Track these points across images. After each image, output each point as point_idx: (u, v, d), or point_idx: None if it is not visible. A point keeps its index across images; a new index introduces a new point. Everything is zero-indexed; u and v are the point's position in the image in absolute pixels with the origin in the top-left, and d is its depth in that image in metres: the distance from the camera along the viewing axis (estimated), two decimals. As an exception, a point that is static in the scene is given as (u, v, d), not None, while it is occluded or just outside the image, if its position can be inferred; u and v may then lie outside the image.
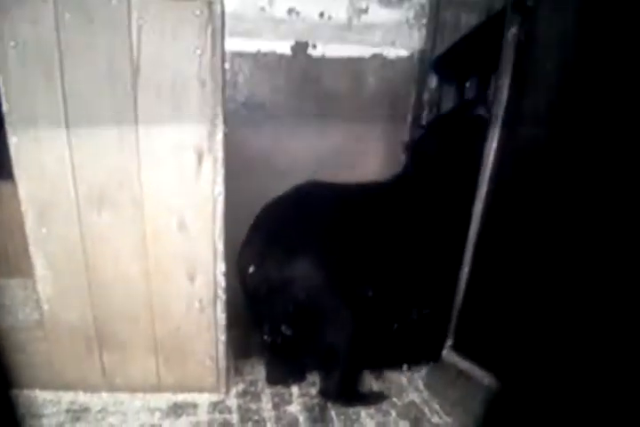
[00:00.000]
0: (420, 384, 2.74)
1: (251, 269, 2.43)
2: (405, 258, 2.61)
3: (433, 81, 3.30)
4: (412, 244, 2.62)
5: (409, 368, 2.91)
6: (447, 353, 2.60)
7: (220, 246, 2.26)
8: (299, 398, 2.56)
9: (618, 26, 1.63)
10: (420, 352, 2.89)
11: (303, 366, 2.81)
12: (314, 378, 2.77)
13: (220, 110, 2.07)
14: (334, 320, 2.46)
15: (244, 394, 2.56)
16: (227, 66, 2.68)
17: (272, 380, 2.70)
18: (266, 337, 2.56)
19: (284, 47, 3.14)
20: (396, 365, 2.93)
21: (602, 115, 1.69)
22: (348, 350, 2.51)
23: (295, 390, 2.65)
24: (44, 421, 2.23)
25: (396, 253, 2.60)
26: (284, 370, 2.73)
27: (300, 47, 3.15)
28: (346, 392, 2.57)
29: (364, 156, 3.36)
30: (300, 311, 2.41)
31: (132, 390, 2.44)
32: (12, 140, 2.00)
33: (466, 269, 2.48)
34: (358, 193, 2.74)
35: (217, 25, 1.96)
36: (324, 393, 2.59)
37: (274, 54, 3.14)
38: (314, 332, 2.49)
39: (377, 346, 2.80)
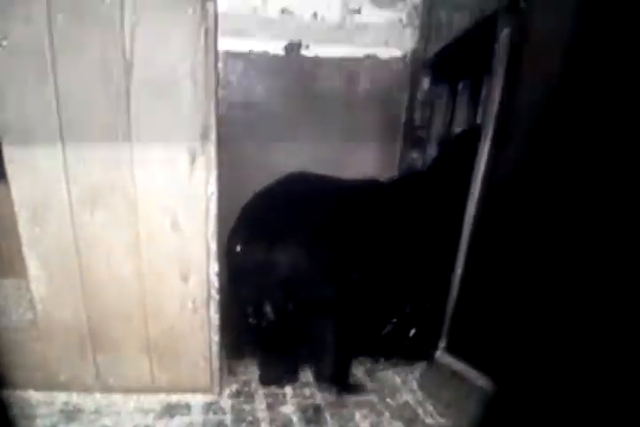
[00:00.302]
0: (414, 385, 2.74)
1: (237, 249, 2.46)
2: (395, 251, 2.63)
3: (426, 81, 3.31)
4: (405, 238, 2.64)
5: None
6: (441, 354, 2.60)
7: (214, 246, 2.26)
8: (293, 399, 2.56)
9: (611, 27, 1.64)
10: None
11: (296, 367, 2.81)
12: (307, 378, 2.77)
13: (213, 110, 2.07)
14: (318, 307, 2.52)
15: (237, 395, 2.56)
16: (220, 65, 2.68)
17: (265, 380, 2.71)
18: (250, 320, 2.56)
19: (277, 47, 3.15)
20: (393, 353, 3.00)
21: (594, 114, 1.70)
22: (334, 338, 2.59)
23: (289, 390, 2.65)
24: (38, 421, 2.22)
25: (386, 245, 2.62)
26: (278, 370, 2.73)
27: (293, 47, 3.16)
28: (339, 378, 2.65)
29: (358, 155, 3.36)
30: (284, 295, 2.45)
31: (126, 390, 2.44)
32: (4, 141, 2.00)
33: (459, 272, 2.49)
34: (346, 185, 2.78)
35: (210, 25, 1.96)
36: (318, 380, 2.69)
37: (267, 54, 3.16)
38: (300, 318, 2.54)
39: (371, 336, 2.89)
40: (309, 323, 2.59)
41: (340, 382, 2.67)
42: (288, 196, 2.64)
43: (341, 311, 2.59)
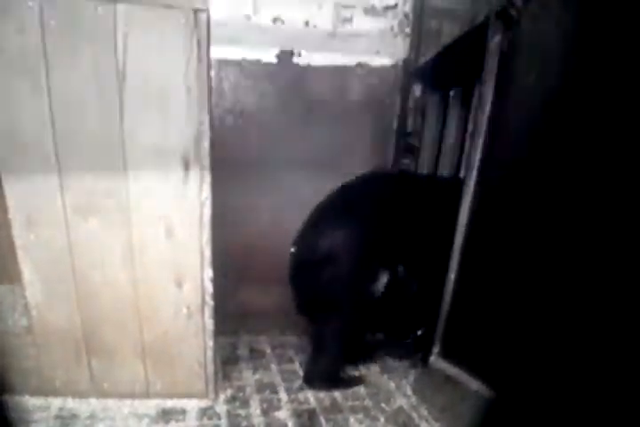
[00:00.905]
0: (409, 390, 2.76)
1: (292, 250, 2.67)
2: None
3: (417, 89, 3.35)
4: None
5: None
6: (435, 359, 2.61)
7: (208, 253, 2.28)
8: (288, 404, 2.57)
9: (602, 35, 1.65)
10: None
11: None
12: (302, 382, 2.81)
13: (205, 117, 2.09)
14: (339, 308, 2.65)
15: (232, 400, 2.57)
16: (212, 73, 2.70)
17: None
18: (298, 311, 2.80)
19: (270, 55, 3.16)
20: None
21: (584, 122, 1.72)
22: (339, 337, 2.72)
23: (284, 396, 2.66)
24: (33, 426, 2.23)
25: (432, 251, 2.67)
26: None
27: (286, 55, 3.18)
28: (329, 378, 2.76)
29: (349, 161, 3.37)
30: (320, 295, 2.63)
31: (121, 395, 2.44)
32: (-1, 149, 2.02)
33: (452, 277, 2.50)
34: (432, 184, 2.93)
35: (203, 33, 1.99)
36: (307, 379, 2.80)
37: (259, 62, 3.17)
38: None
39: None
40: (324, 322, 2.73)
41: (332, 381, 2.76)
42: (354, 195, 2.78)
43: (352, 319, 2.70)
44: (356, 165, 3.36)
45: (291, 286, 2.79)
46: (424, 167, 3.43)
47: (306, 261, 2.65)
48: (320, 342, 2.78)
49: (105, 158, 2.08)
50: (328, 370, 2.75)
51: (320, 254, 2.57)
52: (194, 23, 1.96)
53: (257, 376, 2.87)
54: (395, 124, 3.45)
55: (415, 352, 3.09)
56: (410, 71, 3.32)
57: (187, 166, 2.13)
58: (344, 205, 2.71)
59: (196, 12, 1.95)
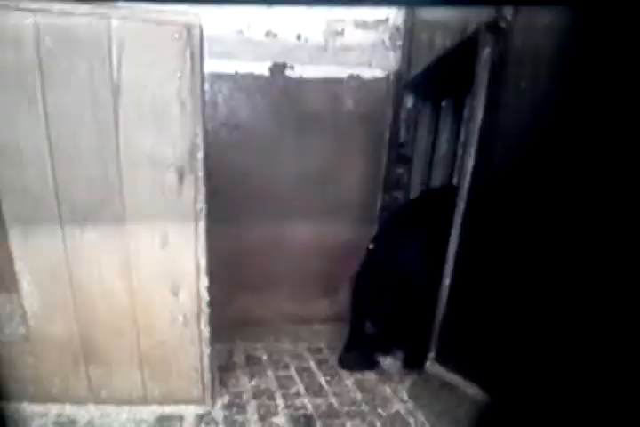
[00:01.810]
0: (405, 395, 2.78)
1: (370, 246, 2.89)
2: None
3: (409, 100, 3.38)
4: None
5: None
6: (431, 365, 2.63)
7: (203, 262, 2.31)
8: (284, 410, 2.60)
9: (590, 45, 1.68)
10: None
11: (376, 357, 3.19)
12: (298, 387, 2.84)
13: (199, 130, 2.13)
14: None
15: (229, 406, 2.60)
16: (206, 87, 2.74)
17: (345, 366, 3.11)
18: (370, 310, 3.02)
19: (263, 68, 3.20)
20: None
21: (573, 132, 1.75)
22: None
23: (281, 401, 2.68)
24: (32, 433, 2.26)
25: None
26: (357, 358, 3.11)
27: (278, 68, 3.22)
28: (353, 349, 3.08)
29: (343, 172, 3.45)
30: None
31: (119, 402, 2.47)
32: (-5, 160, 2.05)
33: (447, 282, 2.53)
34: None
35: (196, 48, 2.03)
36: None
37: (252, 75, 3.20)
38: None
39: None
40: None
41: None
42: (413, 207, 3.04)
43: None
44: (349, 175, 3.40)
45: (361, 273, 2.98)
46: (417, 177, 3.49)
47: (385, 255, 2.85)
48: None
49: (100, 171, 2.11)
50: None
51: (400, 253, 2.80)
52: (187, 38, 2.00)
53: (253, 383, 2.90)
54: (387, 135, 3.50)
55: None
56: (402, 83, 3.37)
57: (181, 178, 2.16)
58: (417, 215, 2.95)
59: (189, 27, 1.99)
